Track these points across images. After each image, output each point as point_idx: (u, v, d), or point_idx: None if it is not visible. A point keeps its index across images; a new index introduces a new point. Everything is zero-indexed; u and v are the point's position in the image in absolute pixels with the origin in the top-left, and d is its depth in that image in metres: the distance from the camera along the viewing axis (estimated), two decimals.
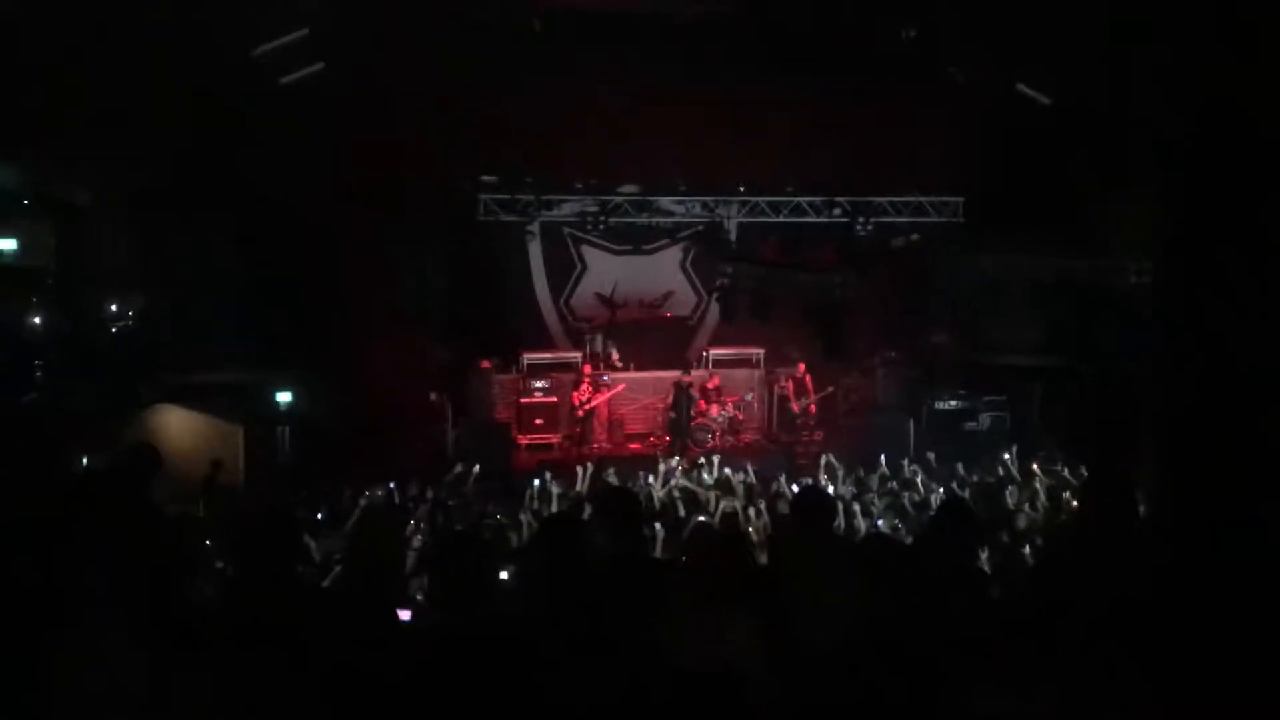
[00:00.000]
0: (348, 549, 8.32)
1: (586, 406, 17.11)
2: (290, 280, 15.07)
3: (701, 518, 9.94)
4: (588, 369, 17.47)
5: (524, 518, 10.42)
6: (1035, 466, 13.29)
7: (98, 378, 13.03)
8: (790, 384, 17.75)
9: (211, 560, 7.17)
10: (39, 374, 11.98)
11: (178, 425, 14.82)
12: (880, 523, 10.31)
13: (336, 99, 13.29)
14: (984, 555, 8.66)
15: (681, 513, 10.42)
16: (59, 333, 13.33)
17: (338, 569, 7.52)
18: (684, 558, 4.71)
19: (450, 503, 11.74)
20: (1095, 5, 7.05)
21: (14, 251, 14.51)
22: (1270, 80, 5.49)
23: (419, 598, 6.52)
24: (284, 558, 4.04)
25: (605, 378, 17.55)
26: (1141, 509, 5.73)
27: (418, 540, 9.13)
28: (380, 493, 11.58)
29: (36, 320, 13.22)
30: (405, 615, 4.26)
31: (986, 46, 12.07)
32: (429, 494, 11.95)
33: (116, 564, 4.09)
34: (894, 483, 12.73)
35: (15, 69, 10.19)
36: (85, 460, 11.33)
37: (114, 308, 14.32)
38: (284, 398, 14.98)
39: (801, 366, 17.65)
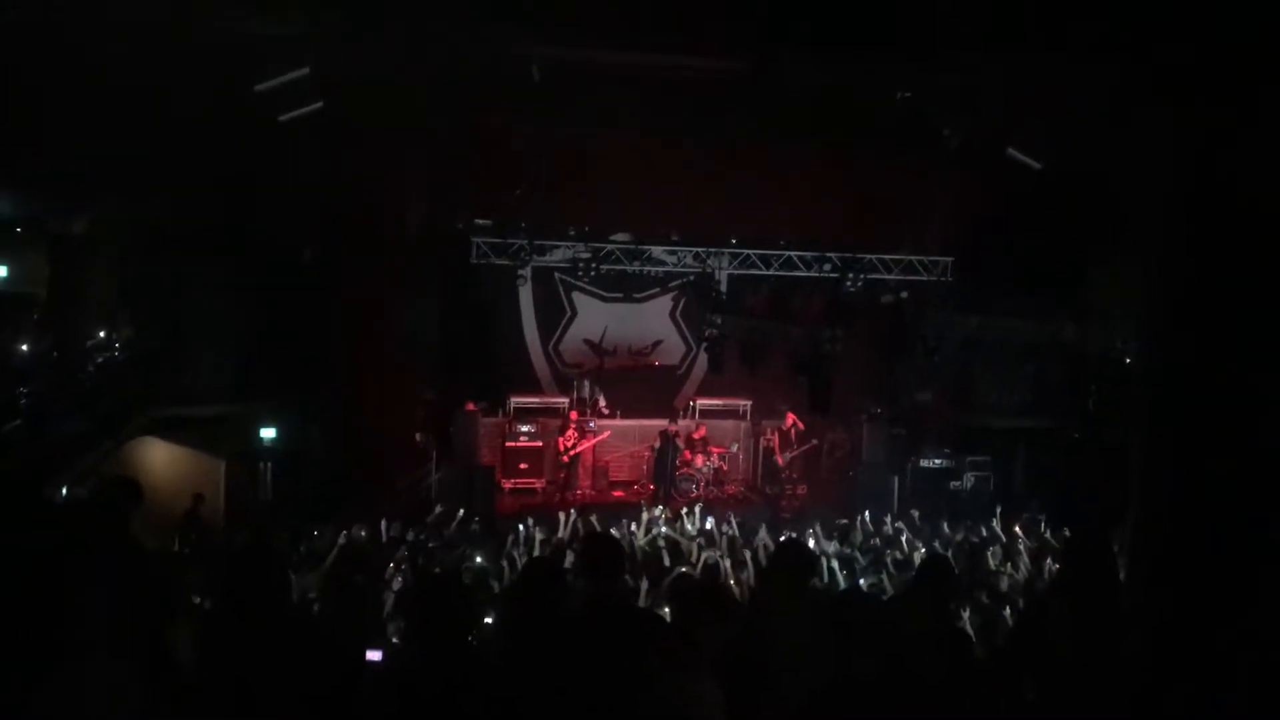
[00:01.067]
0: (323, 588, 8.28)
1: (572, 452, 17.09)
2: (279, 316, 15.08)
3: (683, 568, 9.92)
4: (574, 415, 17.46)
5: (505, 563, 10.37)
6: (1018, 528, 13.32)
7: (82, 407, 12.98)
8: (776, 435, 17.78)
9: (189, 595, 7.11)
10: (23, 401, 11.91)
11: (160, 458, 14.75)
12: (862, 580, 10.28)
13: (333, 138, 13.38)
14: (965, 615, 8.66)
15: (665, 562, 10.39)
16: (45, 360, 13.30)
17: (315, 606, 7.47)
18: (665, 608, 4.70)
19: (431, 545, 11.68)
20: (1087, 76, 7.19)
21: (5, 278, 14.51)
22: (1257, 154, 5.58)
23: (395, 640, 6.48)
24: (263, 595, 4.02)
25: (591, 424, 17.54)
26: (1122, 573, 5.75)
27: (397, 582, 9.08)
28: (361, 532, 11.51)
29: (24, 347, 13.19)
30: (375, 656, 4.22)
31: (979, 111, 12.22)
32: (410, 535, 11.90)
33: (93, 597, 4.06)
34: (877, 539, 12.72)
35: (13, 99, 10.25)
36: (65, 490, 11.25)
37: (102, 337, 14.30)
38: (268, 433, 14.93)
39: (790, 417, 17.69)
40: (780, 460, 17.54)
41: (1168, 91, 6.15)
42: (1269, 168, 5.55)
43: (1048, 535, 13.17)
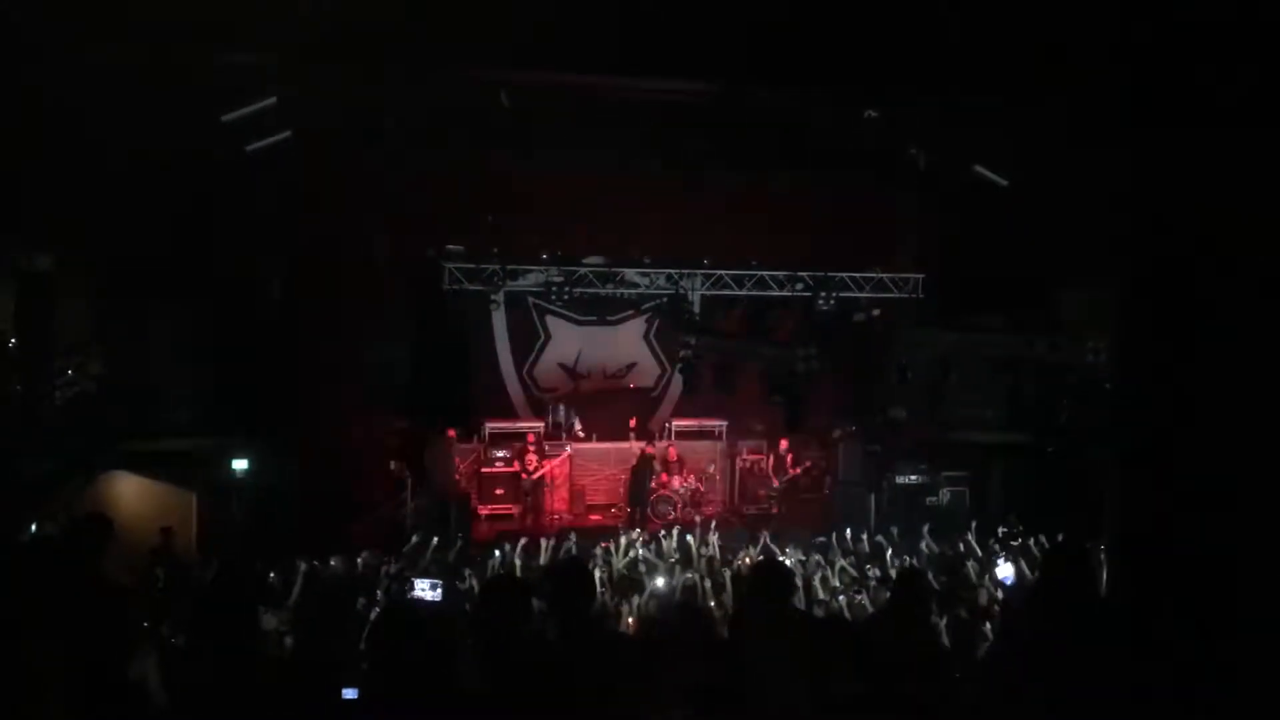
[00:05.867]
0: (296, 621, 8.19)
1: (534, 475, 17.04)
2: (251, 346, 14.97)
3: (661, 589, 9.89)
4: (531, 437, 17.41)
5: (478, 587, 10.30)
6: (994, 542, 13.35)
7: (50, 444, 12.82)
8: (771, 459, 17.81)
9: (160, 631, 7.02)
10: None
11: (130, 492, 14.58)
12: (841, 598, 10.26)
13: (303, 167, 13.34)
14: (943, 628, 8.66)
15: (642, 584, 10.35)
16: (12, 397, 13.15)
17: (288, 640, 7.38)
18: (643, 631, 4.65)
19: (407, 574, 11.57)
20: (1055, 96, 7.27)
21: None
22: (1220, 175, 5.64)
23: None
24: (233, 630, 3.95)
25: (566, 447, 17.51)
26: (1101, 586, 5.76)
27: (374, 614, 8.98)
28: (334, 563, 11.39)
29: None
30: (351, 694, 4.14)
31: (945, 131, 12.35)
32: (386, 565, 11.78)
33: (63, 637, 3.99)
34: (855, 556, 12.72)
35: None
36: (35, 527, 11.09)
37: (70, 374, 14.15)
38: (240, 465, 14.79)
39: (783, 443, 17.73)
40: (775, 483, 17.55)
41: (1125, 118, 6.22)
42: (1232, 188, 5.61)
43: (1024, 548, 13.20)
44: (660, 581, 10.23)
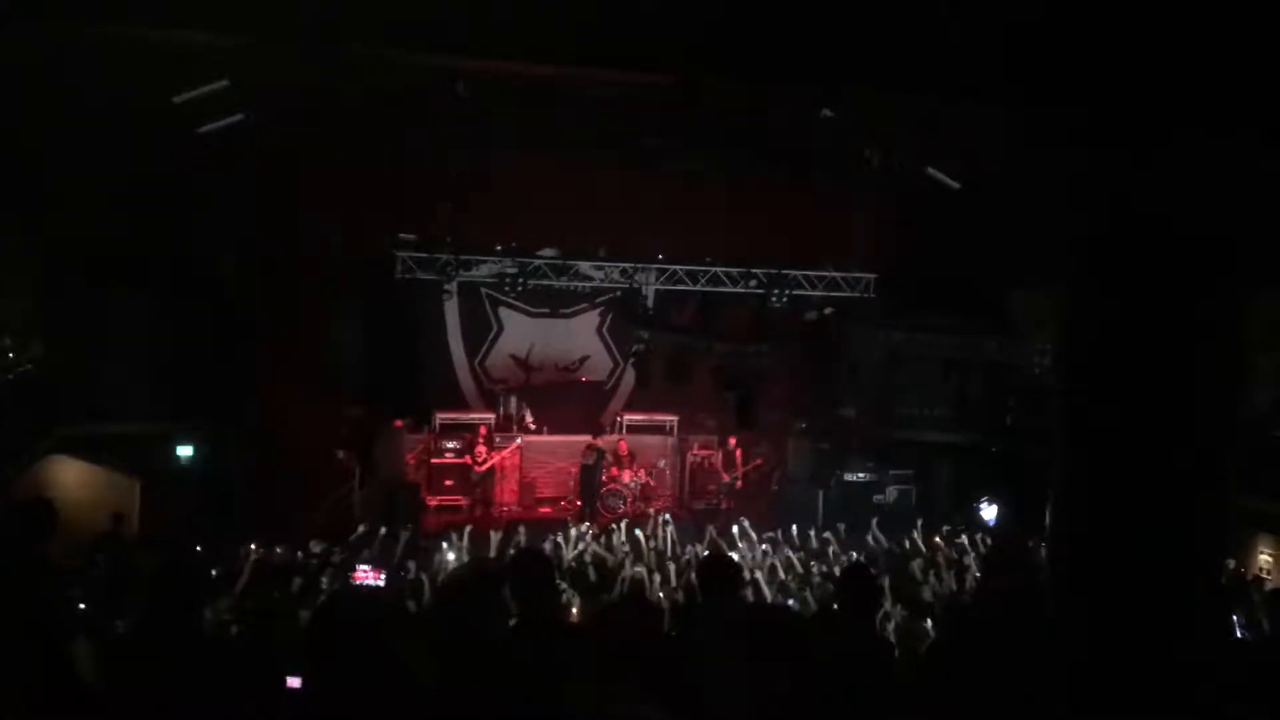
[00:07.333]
0: (241, 609, 8.11)
1: (483, 467, 17.04)
2: (198, 332, 14.76)
3: (611, 583, 9.92)
4: (482, 429, 17.38)
5: (424, 578, 10.26)
6: (939, 540, 13.52)
7: None
8: (720, 455, 17.93)
9: (102, 618, 6.91)
10: None
11: (73, 478, 14.33)
12: (791, 601, 10.34)
13: (254, 153, 13.16)
14: (889, 626, 8.78)
15: (592, 578, 10.37)
16: None
17: (234, 628, 7.30)
18: (592, 625, 4.66)
19: (353, 563, 11.48)
20: (1008, 100, 7.36)
21: None
22: (1172, 176, 5.75)
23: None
24: (177, 617, 3.91)
25: (517, 439, 17.48)
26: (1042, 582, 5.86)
27: (319, 602, 8.90)
28: (279, 551, 11.28)
29: None
30: (295, 683, 4.10)
31: (899, 131, 12.46)
32: (333, 555, 11.69)
33: (6, 624, 3.93)
34: (803, 552, 12.83)
35: None
36: None
37: (10, 355, 13.86)
38: (185, 451, 14.60)
39: (733, 440, 17.86)
40: (726, 478, 17.71)
41: (1079, 134, 6.31)
42: (1179, 201, 5.73)
43: (968, 546, 13.39)
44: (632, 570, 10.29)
